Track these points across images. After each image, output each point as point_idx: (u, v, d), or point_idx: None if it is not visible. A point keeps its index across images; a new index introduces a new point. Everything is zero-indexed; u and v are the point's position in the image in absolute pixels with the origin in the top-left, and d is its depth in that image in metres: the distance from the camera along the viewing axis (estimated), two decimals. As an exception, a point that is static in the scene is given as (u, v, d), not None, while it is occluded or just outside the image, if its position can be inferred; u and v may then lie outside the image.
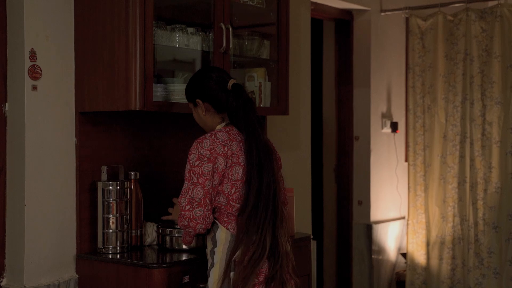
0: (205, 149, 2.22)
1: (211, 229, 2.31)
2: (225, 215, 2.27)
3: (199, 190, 2.20)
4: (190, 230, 2.25)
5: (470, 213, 4.24)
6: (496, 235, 4.13)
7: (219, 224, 2.28)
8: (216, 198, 2.26)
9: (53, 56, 2.56)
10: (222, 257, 2.26)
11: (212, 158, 2.22)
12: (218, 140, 2.24)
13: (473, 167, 4.23)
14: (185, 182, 2.24)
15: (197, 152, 2.22)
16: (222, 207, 2.27)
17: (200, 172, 2.21)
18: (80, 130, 2.66)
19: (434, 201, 4.40)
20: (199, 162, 2.21)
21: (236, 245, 2.22)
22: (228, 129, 2.31)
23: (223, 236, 2.27)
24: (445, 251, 4.35)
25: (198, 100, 2.35)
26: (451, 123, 4.34)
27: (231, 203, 2.25)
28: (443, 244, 4.36)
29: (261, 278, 2.25)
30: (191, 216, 2.21)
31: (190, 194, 2.22)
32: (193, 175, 2.22)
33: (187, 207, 2.22)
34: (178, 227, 2.48)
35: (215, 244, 2.28)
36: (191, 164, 2.23)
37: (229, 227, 2.26)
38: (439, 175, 4.38)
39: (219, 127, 2.34)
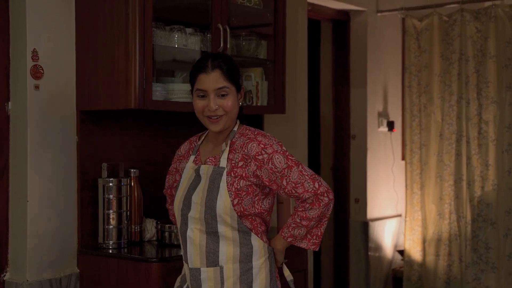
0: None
1: (238, 242, 2.01)
2: (258, 225, 2.05)
3: (306, 166, 2.03)
4: (330, 205, 2.00)
5: (468, 210, 4.30)
6: (494, 231, 4.20)
7: (254, 234, 2.03)
8: (262, 203, 2.03)
9: (54, 56, 2.62)
10: (267, 270, 2.04)
11: None
12: None
13: (470, 165, 4.30)
14: (293, 168, 1.97)
15: (277, 141, 2.02)
16: (265, 213, 2.06)
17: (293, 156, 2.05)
18: (81, 129, 2.72)
19: (431, 198, 4.47)
20: (286, 148, 2.05)
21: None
22: None
23: (261, 247, 2.03)
24: (442, 248, 4.41)
25: (243, 87, 2.13)
26: (447, 122, 4.40)
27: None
28: (440, 241, 4.42)
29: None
30: (326, 188, 2.00)
31: (307, 171, 1.99)
32: (292, 158, 2.00)
33: (316, 184, 1.98)
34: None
35: (249, 259, 2.02)
36: (283, 152, 1.99)
37: (264, 238, 2.06)
38: (436, 173, 4.44)
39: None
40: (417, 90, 4.52)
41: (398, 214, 4.82)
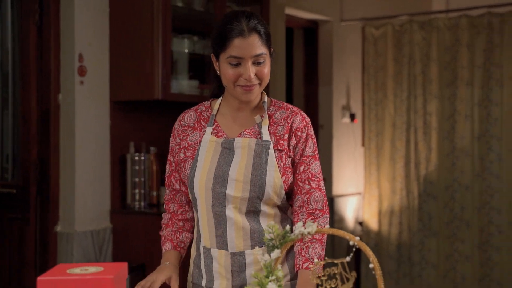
0: None
1: (279, 218, 1.78)
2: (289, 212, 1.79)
3: None
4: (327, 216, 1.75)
5: (415, 187, 4.90)
6: (435, 203, 4.82)
7: (291, 208, 1.80)
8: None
9: (94, 58, 3.33)
10: None
11: None
12: None
13: (417, 150, 4.88)
14: (316, 161, 1.77)
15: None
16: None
17: None
18: (114, 115, 3.41)
19: (386, 178, 5.02)
20: None
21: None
22: None
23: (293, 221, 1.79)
24: (394, 219, 5.01)
25: (273, 50, 1.78)
26: (399, 114, 4.96)
27: None
28: (392, 213, 5.01)
29: None
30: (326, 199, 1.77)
31: (321, 173, 1.77)
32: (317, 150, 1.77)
33: (324, 188, 1.77)
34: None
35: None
36: (315, 140, 1.78)
37: None
38: (389, 157, 5.00)
39: None
40: (374, 88, 5.03)
41: (358, 192, 5.28)
